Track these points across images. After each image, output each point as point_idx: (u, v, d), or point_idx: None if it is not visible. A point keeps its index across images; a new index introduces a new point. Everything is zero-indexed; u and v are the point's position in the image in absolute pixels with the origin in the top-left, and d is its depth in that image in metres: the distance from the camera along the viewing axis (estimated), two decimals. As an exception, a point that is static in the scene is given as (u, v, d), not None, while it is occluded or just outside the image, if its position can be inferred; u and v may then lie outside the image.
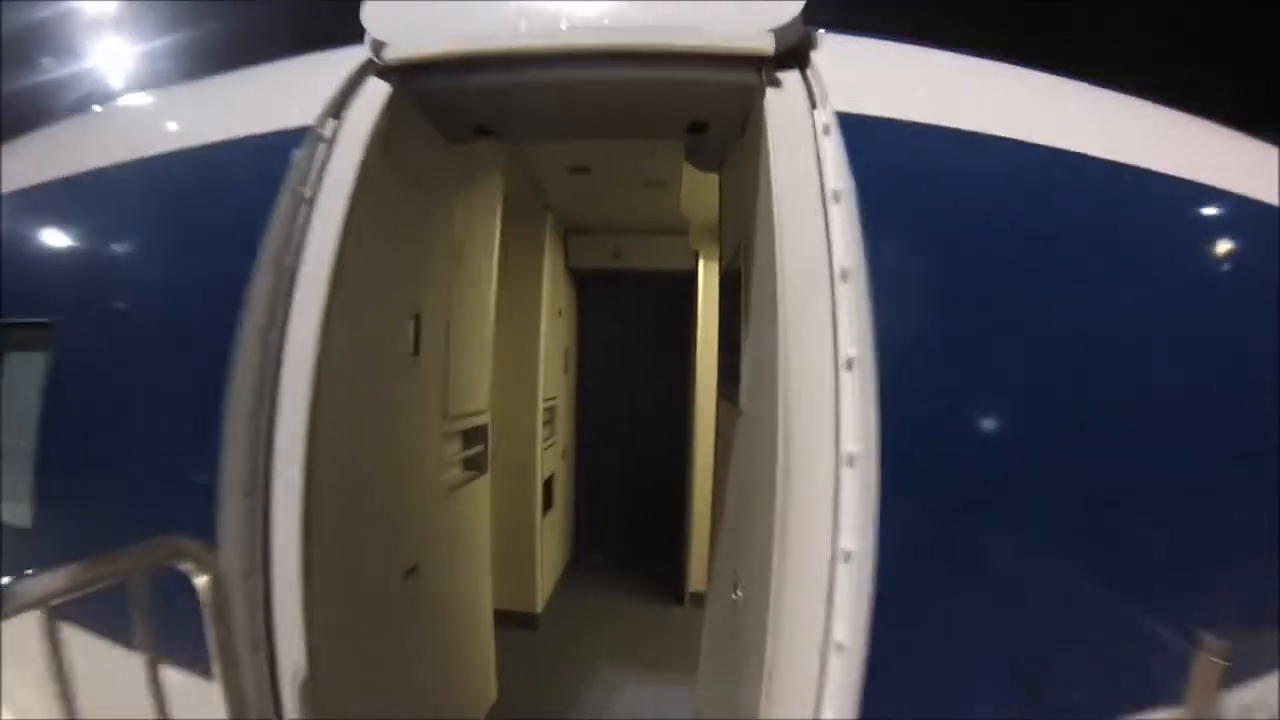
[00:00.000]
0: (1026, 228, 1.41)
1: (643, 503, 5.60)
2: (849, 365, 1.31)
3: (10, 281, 1.88)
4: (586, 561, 5.47)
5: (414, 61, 1.73)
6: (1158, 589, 1.29)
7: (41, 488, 1.75)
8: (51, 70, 6.14)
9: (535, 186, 3.75)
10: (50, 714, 1.20)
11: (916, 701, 1.28)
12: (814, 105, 1.57)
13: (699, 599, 4.27)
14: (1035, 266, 1.37)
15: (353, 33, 1.78)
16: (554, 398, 4.65)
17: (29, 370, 1.83)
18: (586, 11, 1.70)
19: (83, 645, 1.50)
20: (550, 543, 4.63)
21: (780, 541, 1.33)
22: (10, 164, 2.16)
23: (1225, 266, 1.46)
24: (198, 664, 1.38)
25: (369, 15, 1.75)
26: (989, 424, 1.34)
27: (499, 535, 3.36)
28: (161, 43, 6.52)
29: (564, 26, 1.67)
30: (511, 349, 4.01)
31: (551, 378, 4.49)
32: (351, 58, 1.81)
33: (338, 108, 1.72)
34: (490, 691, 3.01)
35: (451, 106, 1.98)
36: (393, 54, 1.72)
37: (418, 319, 2.17)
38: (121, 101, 2.47)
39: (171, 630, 1.33)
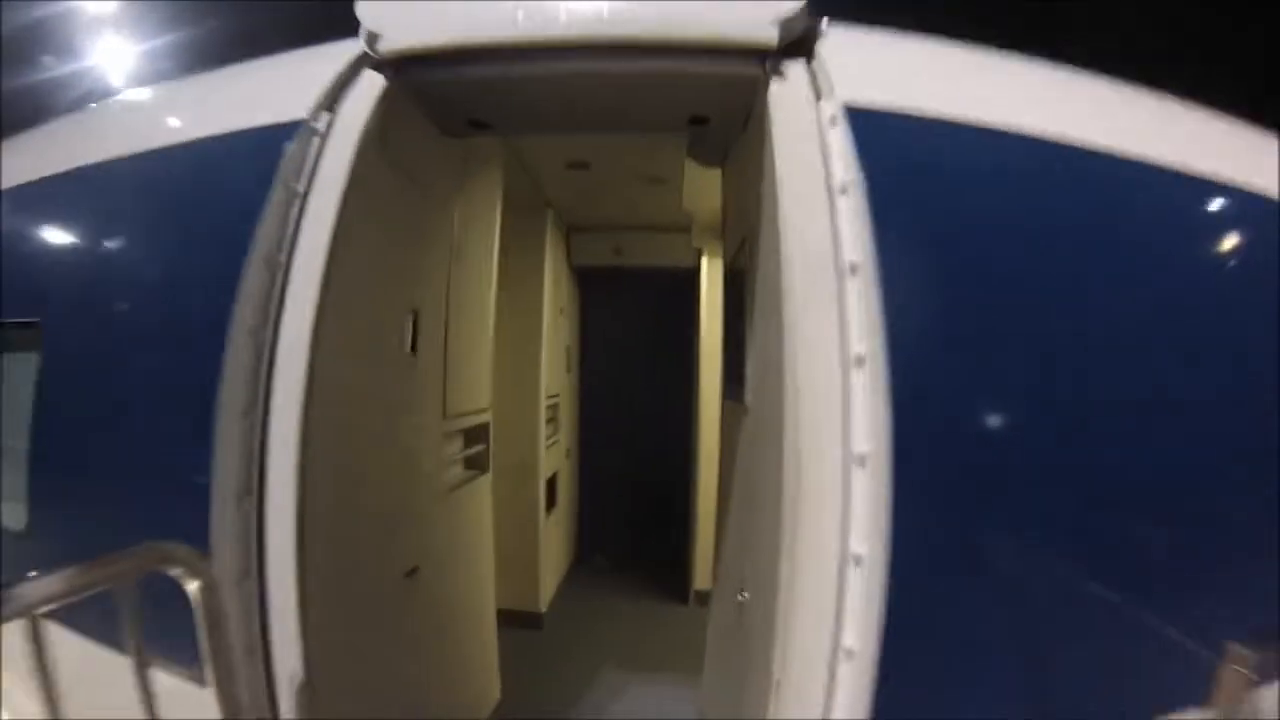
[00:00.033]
0: (1040, 221, 1.36)
1: (647, 501, 5.58)
2: (858, 362, 1.27)
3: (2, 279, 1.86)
4: (590, 561, 5.46)
5: (409, 54, 1.69)
6: (1182, 598, 1.24)
7: (32, 490, 1.72)
8: (52, 69, 6.12)
9: (535, 183, 3.72)
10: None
11: (929, 711, 1.24)
12: (819, 97, 1.53)
13: (703, 598, 4.24)
14: (1050, 261, 1.33)
15: (353, 29, 1.74)
16: (556, 396, 4.63)
17: (23, 370, 1.80)
18: (584, 3, 1.66)
19: (80, 650, 1.49)
20: (554, 542, 4.61)
21: (788, 544, 1.29)
22: (4, 161, 2.14)
23: (1247, 263, 1.41)
24: (194, 669, 1.35)
25: (363, 7, 1.71)
26: (1005, 424, 1.29)
27: (502, 535, 3.33)
28: (162, 41, 6.51)
29: (562, 18, 1.63)
30: (513, 347, 4.00)
31: (554, 376, 4.47)
32: (346, 51, 1.77)
33: (331, 101, 1.68)
34: (493, 692, 2.99)
35: (448, 100, 1.95)
36: (387, 46, 1.69)
37: (415, 317, 2.13)
38: (115, 98, 2.42)
39: (167, 635, 1.31)
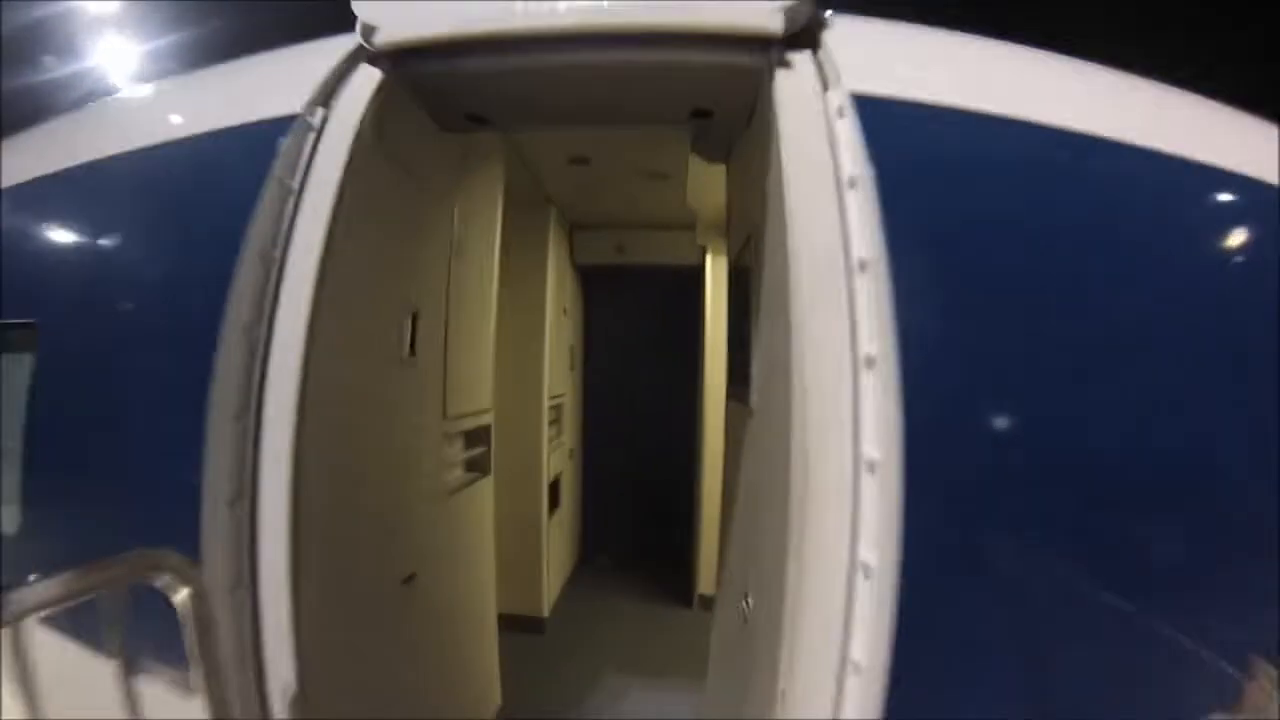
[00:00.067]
0: (1058, 215, 1.31)
1: (651, 502, 5.56)
2: (869, 363, 1.22)
3: None
4: (593, 563, 5.42)
5: (405, 46, 1.66)
6: (1210, 609, 1.18)
7: (24, 494, 1.69)
8: (53, 69, 6.12)
9: (537, 179, 3.68)
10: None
11: None
12: (826, 87, 1.49)
13: (708, 602, 4.20)
14: (1069, 256, 1.27)
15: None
16: (560, 396, 4.59)
17: (21, 371, 1.77)
18: None
19: (75, 656, 1.46)
20: (557, 544, 4.58)
21: (794, 551, 1.25)
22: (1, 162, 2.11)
23: (1271, 253, 1.35)
24: (187, 677, 1.32)
25: (359, 1, 1.68)
26: (1023, 428, 1.23)
27: (504, 538, 3.30)
28: (165, 41, 6.50)
29: (560, 7, 1.59)
30: (515, 347, 3.96)
31: (557, 376, 4.44)
32: (344, 46, 1.74)
33: (327, 95, 1.64)
34: (494, 698, 2.95)
35: (445, 93, 1.91)
36: (383, 39, 1.65)
37: (414, 316, 2.09)
38: (110, 97, 2.40)
39: (162, 642, 1.28)
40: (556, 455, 4.55)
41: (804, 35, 1.59)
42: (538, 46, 1.66)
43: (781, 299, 1.39)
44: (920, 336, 1.20)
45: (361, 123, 1.59)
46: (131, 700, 1.21)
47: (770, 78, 1.56)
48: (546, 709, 3.23)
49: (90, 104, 2.45)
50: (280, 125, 1.58)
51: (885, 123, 1.36)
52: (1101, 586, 1.17)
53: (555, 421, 4.51)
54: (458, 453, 2.63)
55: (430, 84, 1.83)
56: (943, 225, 1.30)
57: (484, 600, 2.86)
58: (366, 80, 1.68)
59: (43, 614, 1.09)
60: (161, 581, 1.17)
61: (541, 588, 4.14)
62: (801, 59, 1.56)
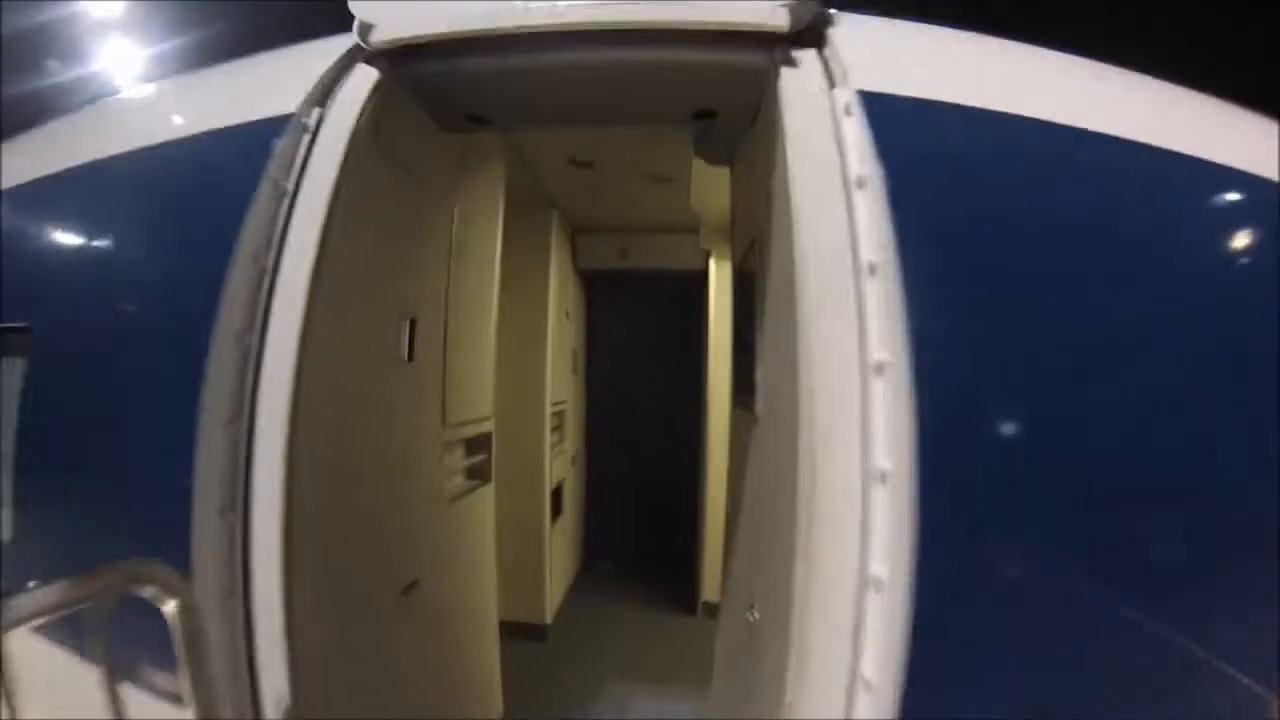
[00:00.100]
0: (1072, 214, 1.26)
1: (654, 508, 5.53)
2: (879, 370, 1.18)
3: None
4: (596, 569, 5.38)
5: (403, 45, 1.63)
6: (1247, 634, 1.12)
7: (15, 501, 1.66)
8: (58, 73, 6.12)
9: (539, 183, 3.65)
10: None
11: None
12: (832, 85, 1.45)
13: (712, 609, 4.17)
14: (1087, 256, 1.22)
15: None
16: (562, 403, 4.56)
17: (13, 375, 1.75)
18: None
19: (66, 665, 1.43)
20: (560, 551, 4.55)
21: (802, 564, 1.20)
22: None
23: None
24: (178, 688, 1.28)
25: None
26: (1043, 437, 1.18)
27: (506, 546, 3.26)
28: (171, 45, 6.50)
29: (562, 5, 1.56)
30: (517, 353, 3.93)
31: (559, 382, 4.40)
32: (342, 45, 1.71)
33: (323, 95, 1.62)
34: (495, 707, 2.90)
35: (444, 93, 1.88)
36: (380, 37, 1.62)
37: (413, 320, 2.06)
38: (106, 99, 2.38)
39: (154, 653, 1.24)
40: (559, 461, 4.52)
41: (809, 33, 1.56)
42: (538, 45, 1.63)
43: (788, 303, 1.35)
44: (933, 341, 1.16)
45: (358, 122, 1.56)
46: (116, 710, 1.18)
47: (775, 76, 1.53)
48: (549, 717, 3.18)
49: (87, 107, 2.43)
50: (275, 125, 1.55)
51: (894, 121, 1.32)
52: (1127, 602, 1.12)
53: (558, 428, 4.49)
54: (458, 460, 2.59)
55: (429, 83, 1.81)
56: (955, 226, 1.26)
57: (485, 608, 2.82)
58: (364, 80, 1.65)
59: (37, 622, 1.07)
60: (149, 593, 1.13)
61: (544, 595, 4.10)
62: (807, 57, 1.53)
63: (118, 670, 1.44)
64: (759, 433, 1.82)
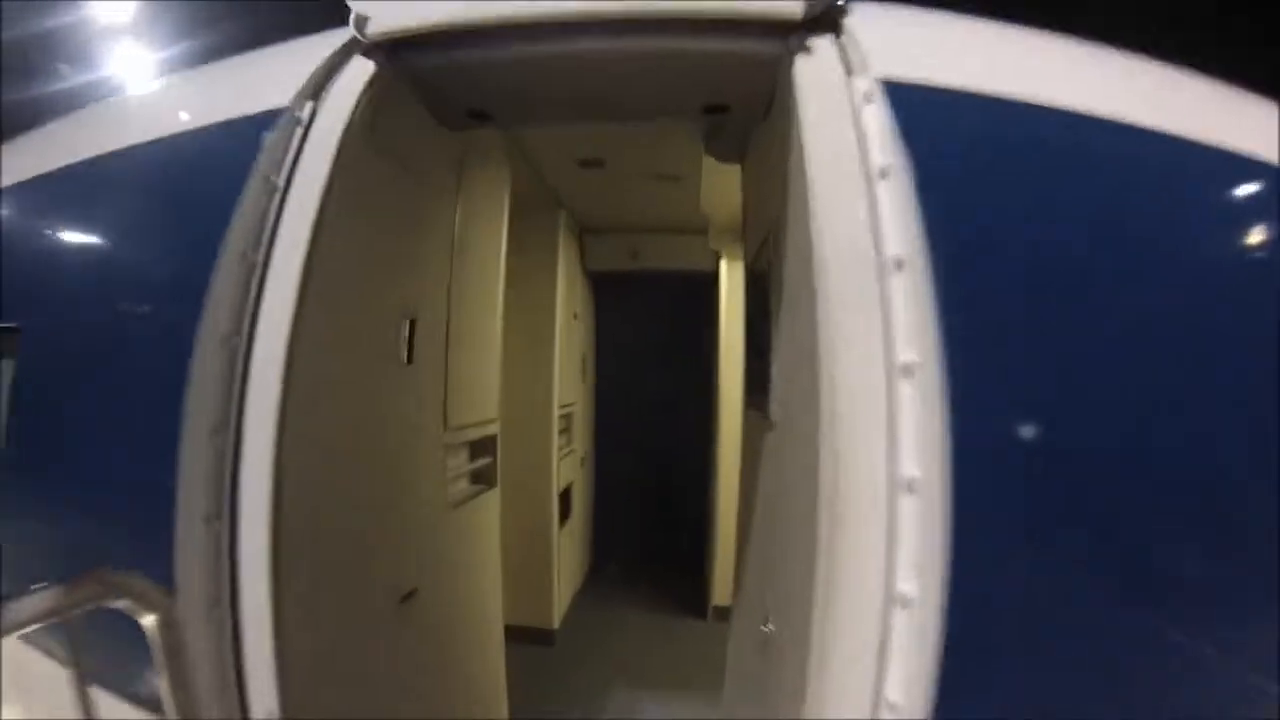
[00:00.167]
0: (1110, 206, 1.18)
1: (664, 510, 5.50)
2: (906, 372, 1.10)
3: None
4: (605, 571, 5.34)
5: (399, 35, 1.57)
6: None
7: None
8: (68, 77, 6.14)
9: (546, 183, 3.60)
10: None
11: None
12: (850, 73, 1.37)
13: (722, 613, 4.11)
14: (1125, 249, 1.14)
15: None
16: (571, 405, 4.51)
17: (2, 378, 1.71)
18: None
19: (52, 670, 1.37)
20: (568, 554, 4.51)
21: (824, 579, 1.12)
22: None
23: None
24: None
25: None
26: (1083, 441, 1.09)
27: (513, 549, 3.22)
28: (180, 48, 6.50)
29: None
30: (524, 355, 3.90)
31: (568, 384, 4.36)
32: (340, 38, 1.65)
33: (317, 88, 1.55)
34: (501, 714, 2.84)
35: (444, 88, 1.82)
36: (376, 28, 1.56)
37: (412, 322, 1.99)
38: (105, 100, 2.34)
39: (134, 663, 1.19)
40: (567, 464, 4.48)
41: (824, 20, 1.49)
42: (541, 35, 1.57)
43: (806, 302, 1.28)
44: (965, 340, 1.08)
45: (353, 116, 1.50)
46: (87, 712, 1.12)
47: (789, 65, 1.46)
48: None
49: (86, 107, 2.40)
50: (266, 120, 1.49)
51: (918, 108, 1.25)
52: (1182, 628, 1.03)
53: (566, 430, 4.44)
54: (461, 465, 2.53)
55: (428, 77, 1.74)
56: (987, 217, 1.17)
57: (489, 615, 2.75)
58: (359, 72, 1.58)
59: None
60: (125, 605, 1.06)
61: (552, 599, 4.07)
62: (823, 44, 1.46)
63: (104, 680, 1.40)
64: (774, 437, 1.74)
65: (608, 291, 5.40)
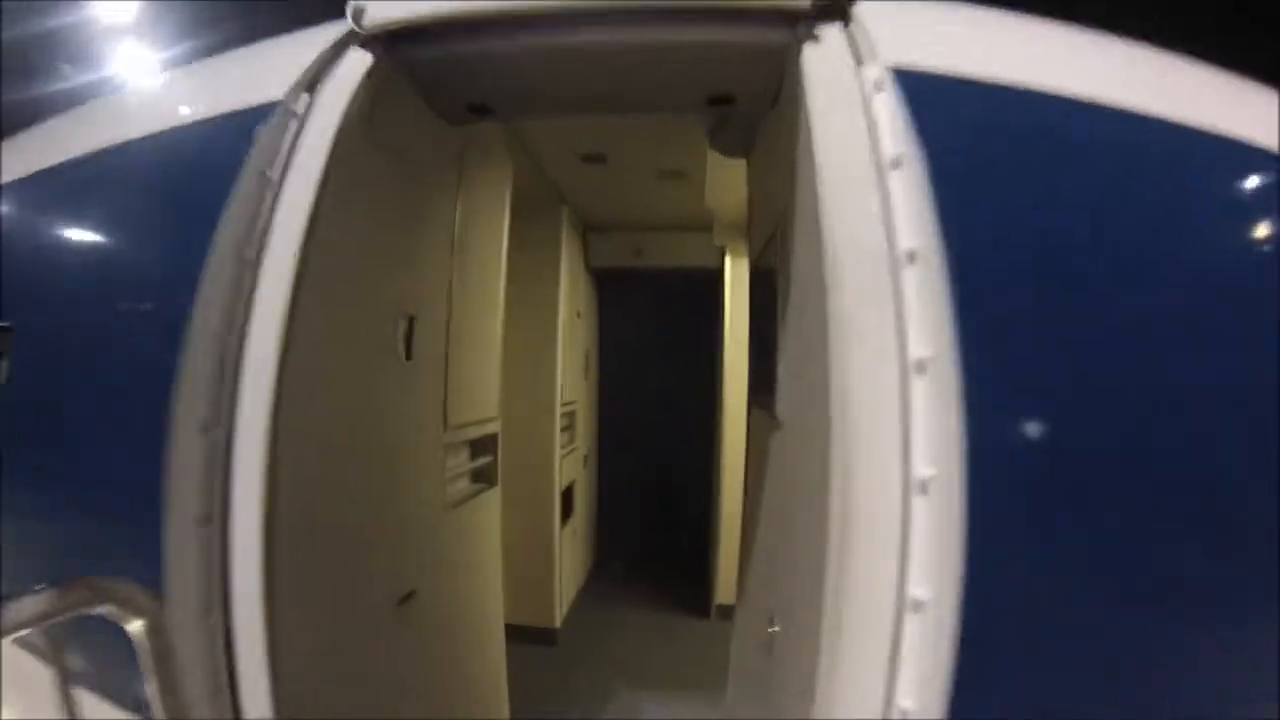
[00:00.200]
0: (1129, 197, 1.14)
1: (667, 509, 5.48)
2: (920, 369, 1.06)
3: None
4: (607, 569, 5.32)
5: (398, 27, 1.53)
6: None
7: None
8: (70, 77, 6.12)
9: (549, 179, 3.57)
10: None
11: None
12: (860, 61, 1.34)
13: (726, 612, 4.10)
14: (1149, 240, 1.09)
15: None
16: (573, 403, 4.49)
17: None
18: None
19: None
20: (570, 553, 4.49)
21: (833, 581, 1.09)
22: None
23: None
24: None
25: None
26: (1106, 440, 1.04)
27: (515, 548, 3.19)
28: (183, 48, 6.48)
29: None
30: (527, 353, 3.88)
31: (571, 382, 4.34)
32: (338, 31, 1.62)
33: (312, 81, 1.52)
34: (502, 714, 2.81)
35: (444, 80, 1.78)
36: (373, 20, 1.53)
37: (411, 319, 1.96)
38: (101, 97, 2.31)
39: (124, 667, 1.16)
40: (570, 462, 4.46)
41: (832, 8, 1.45)
42: (542, 25, 1.53)
43: (815, 298, 1.24)
44: (982, 336, 1.04)
45: (349, 109, 1.47)
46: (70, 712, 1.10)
47: (797, 54, 1.42)
48: None
49: (84, 105, 2.37)
50: (261, 113, 1.46)
51: (931, 97, 1.20)
52: (1204, 628, 0.99)
53: (568, 428, 4.42)
54: (462, 464, 2.50)
55: (427, 70, 1.71)
56: (1004, 208, 1.13)
57: (490, 615, 2.72)
58: (357, 65, 1.55)
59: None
60: (110, 611, 1.03)
61: (554, 598, 4.05)
62: (831, 32, 1.42)
63: (101, 685, 1.38)
64: (781, 435, 1.71)
65: (611, 288, 5.37)
